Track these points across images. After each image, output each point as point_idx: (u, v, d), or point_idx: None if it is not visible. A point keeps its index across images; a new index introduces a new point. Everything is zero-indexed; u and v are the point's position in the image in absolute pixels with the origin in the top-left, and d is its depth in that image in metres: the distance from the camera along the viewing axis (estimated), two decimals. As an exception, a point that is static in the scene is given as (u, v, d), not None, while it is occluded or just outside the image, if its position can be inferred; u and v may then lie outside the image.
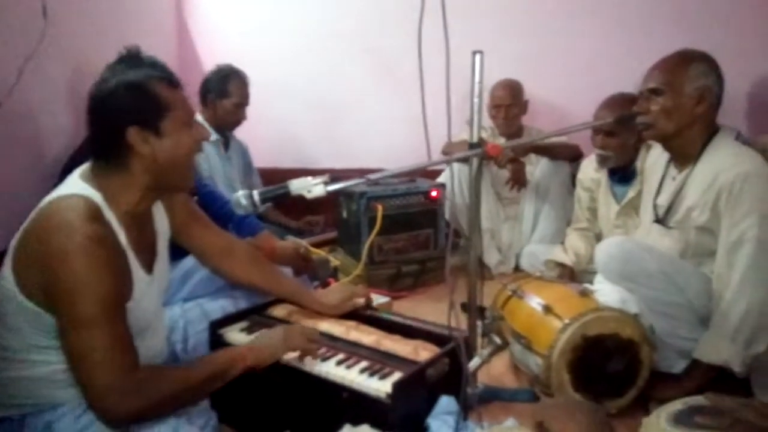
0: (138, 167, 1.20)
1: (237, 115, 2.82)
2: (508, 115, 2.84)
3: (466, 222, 2.88)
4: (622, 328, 1.56)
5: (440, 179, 2.84)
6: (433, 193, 2.64)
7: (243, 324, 1.61)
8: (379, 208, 2.46)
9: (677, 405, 1.08)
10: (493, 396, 1.73)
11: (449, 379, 1.40)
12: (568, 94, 3.09)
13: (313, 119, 3.46)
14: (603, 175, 2.39)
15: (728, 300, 1.57)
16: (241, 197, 1.44)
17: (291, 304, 1.67)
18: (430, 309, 2.22)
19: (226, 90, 2.76)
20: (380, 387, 1.29)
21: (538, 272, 2.06)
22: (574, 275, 2.36)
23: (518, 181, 2.71)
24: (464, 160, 2.56)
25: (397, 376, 1.32)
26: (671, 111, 1.69)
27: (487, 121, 2.98)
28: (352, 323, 1.60)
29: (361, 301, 1.71)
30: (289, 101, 3.43)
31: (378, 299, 2.36)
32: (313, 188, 1.45)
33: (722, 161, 1.64)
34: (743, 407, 0.94)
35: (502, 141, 2.92)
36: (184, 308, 1.68)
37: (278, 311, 1.67)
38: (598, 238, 2.41)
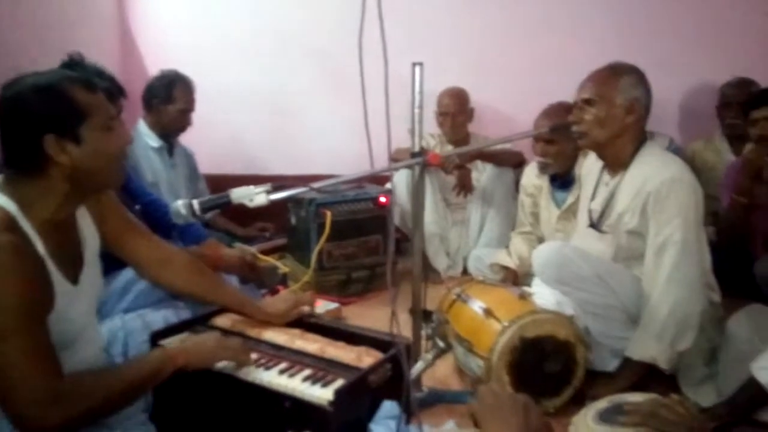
0: (57, 175, 1.14)
1: (182, 121, 2.77)
2: (455, 123, 2.90)
3: (415, 228, 2.94)
4: (558, 329, 1.62)
5: (389, 185, 2.87)
6: (382, 199, 2.67)
7: (185, 335, 1.58)
8: (328, 214, 2.47)
9: (603, 403, 1.13)
10: (437, 399, 1.76)
11: (392, 384, 1.42)
12: (514, 102, 3.18)
13: (263, 125, 3.44)
14: (544, 182, 2.47)
15: (655, 300, 1.65)
16: (180, 207, 1.43)
17: (235, 313, 1.66)
18: (380, 314, 2.22)
19: (171, 96, 2.72)
20: (322, 395, 1.30)
21: (482, 276, 2.11)
22: (517, 278, 2.43)
23: (464, 187, 2.77)
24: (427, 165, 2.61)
25: (339, 383, 1.33)
26: (603, 121, 1.77)
27: (436, 129, 3.05)
28: (296, 331, 1.60)
29: (307, 308, 1.71)
30: (237, 107, 3.40)
31: (327, 306, 2.38)
32: (255, 197, 1.46)
33: (650, 168, 1.73)
34: (658, 405, 0.99)
35: (449, 148, 2.98)
36: (125, 319, 1.64)
37: (221, 321, 1.66)
38: (541, 241, 2.48)
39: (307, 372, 1.40)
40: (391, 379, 1.43)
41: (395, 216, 2.86)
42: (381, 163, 1.65)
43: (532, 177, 2.54)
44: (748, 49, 3.04)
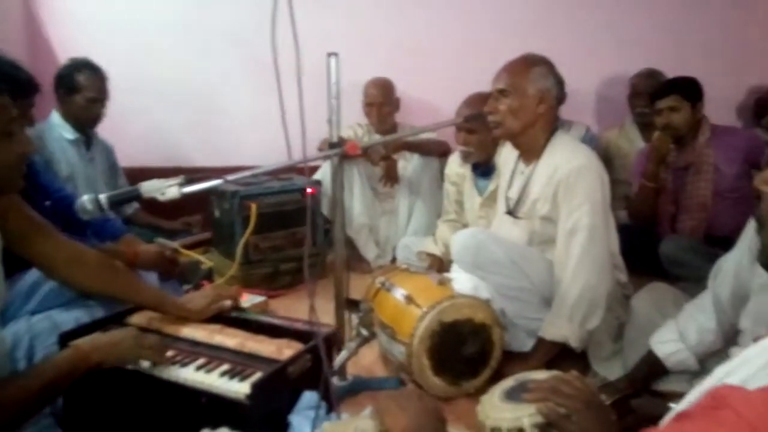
0: None
1: (92, 110, 2.63)
2: (381, 113, 2.92)
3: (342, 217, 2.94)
4: (475, 313, 1.68)
5: (317, 176, 2.86)
6: (309, 190, 2.65)
7: (98, 335, 1.53)
8: (253, 206, 2.43)
9: (509, 382, 1.18)
10: (362, 386, 1.79)
11: (314, 375, 1.43)
12: (440, 92, 3.23)
13: (184, 116, 3.34)
14: (467, 170, 2.54)
15: (566, 282, 1.74)
16: (86, 202, 1.37)
17: (152, 311, 1.62)
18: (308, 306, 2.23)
19: (77, 84, 2.58)
20: (239, 389, 1.29)
21: (405, 264, 2.14)
22: (443, 265, 2.49)
23: (390, 177, 2.80)
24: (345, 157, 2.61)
25: (257, 376, 1.33)
26: (517, 110, 1.83)
27: (365, 119, 3.06)
28: (216, 327, 1.58)
29: (228, 303, 1.69)
30: (158, 98, 3.28)
31: (253, 299, 2.35)
32: (166, 190, 1.42)
33: (560, 157, 1.81)
34: (559, 381, 1.05)
35: (377, 138, 3.00)
36: (31, 322, 1.56)
37: (137, 319, 1.61)
38: (466, 228, 2.55)
39: (225, 367, 1.39)
40: (312, 370, 1.43)
41: (324, 207, 2.86)
42: (306, 154, 1.66)
43: (455, 166, 2.59)
44: (656, 42, 3.22)
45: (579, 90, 3.24)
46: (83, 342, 1.32)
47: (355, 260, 2.98)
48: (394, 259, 2.93)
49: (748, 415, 0.50)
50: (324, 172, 2.85)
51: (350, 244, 3.01)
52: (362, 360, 1.92)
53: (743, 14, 3.30)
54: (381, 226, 2.99)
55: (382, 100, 2.91)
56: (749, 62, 3.27)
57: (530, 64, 1.84)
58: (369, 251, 2.93)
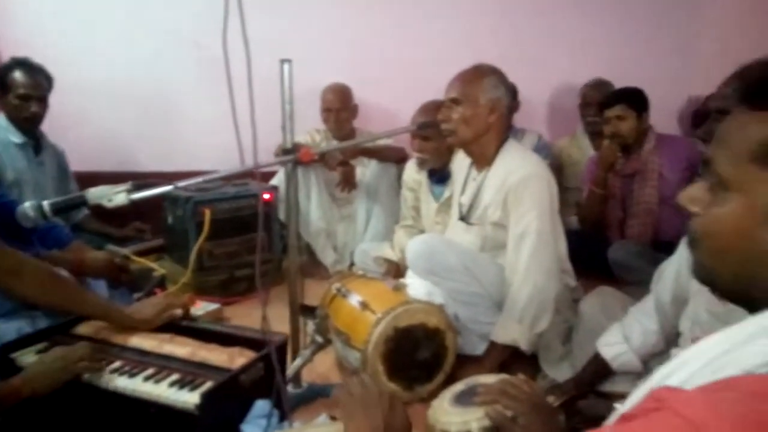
0: None
1: (24, 109, 2.50)
2: (339, 119, 2.93)
3: (301, 224, 2.93)
4: (428, 318, 1.70)
5: (273, 181, 2.84)
6: (266, 196, 2.63)
7: (41, 345, 1.48)
8: (207, 212, 2.40)
9: (459, 386, 1.20)
10: (317, 394, 1.78)
11: (267, 383, 1.42)
12: (397, 98, 3.26)
13: (138, 120, 3.26)
14: (423, 176, 2.57)
15: (516, 286, 1.78)
16: (27, 209, 1.33)
17: (100, 320, 1.58)
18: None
19: (9, 82, 2.47)
20: (189, 399, 1.27)
21: (361, 270, 2.15)
22: (400, 270, 2.50)
23: (348, 183, 2.81)
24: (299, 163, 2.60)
25: (208, 386, 1.31)
26: (469, 119, 1.86)
27: (322, 125, 3.06)
28: (166, 336, 1.55)
29: (179, 311, 1.66)
30: (110, 101, 3.20)
31: (207, 307, 2.32)
32: (114, 197, 1.39)
33: (510, 165, 1.85)
34: (507, 384, 1.07)
35: (335, 143, 3.00)
36: (-30, 333, 1.50)
37: (84, 329, 1.57)
38: (421, 234, 2.58)
39: (174, 377, 1.36)
40: (264, 378, 1.42)
41: (281, 212, 2.84)
42: (259, 158, 1.65)
43: (412, 172, 2.62)
44: (605, 53, 3.34)
45: (532, 99, 3.33)
46: (25, 356, 1.28)
47: (313, 266, 2.98)
48: (352, 265, 2.94)
49: (689, 415, 0.50)
50: (281, 178, 2.83)
51: (308, 249, 3.01)
52: (318, 367, 1.92)
53: (689, 26, 3.46)
54: (339, 231, 2.99)
55: (339, 105, 2.92)
56: (693, 73, 3.43)
57: (482, 74, 1.88)
58: (327, 257, 2.93)
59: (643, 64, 3.30)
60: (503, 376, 1.18)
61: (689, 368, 0.58)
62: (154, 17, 3.19)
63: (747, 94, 0.61)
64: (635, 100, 2.62)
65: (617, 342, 1.61)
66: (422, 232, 2.61)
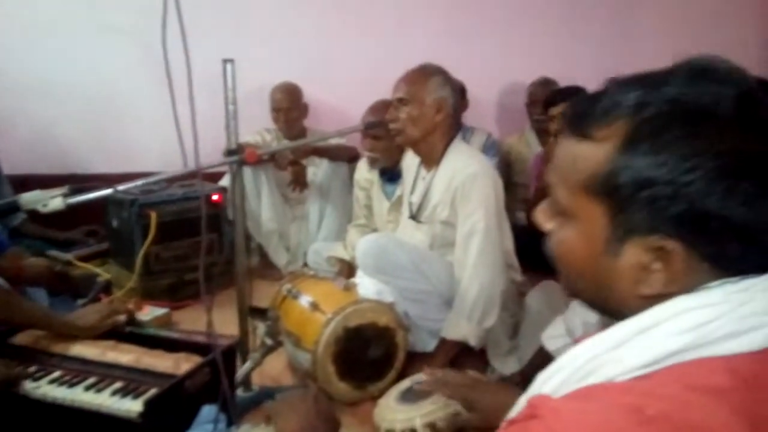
0: None
1: None
2: (289, 118, 2.90)
3: (252, 224, 2.90)
4: (378, 317, 1.71)
5: (223, 182, 2.80)
6: (215, 197, 2.59)
7: (-26, 358, 1.42)
8: (153, 215, 2.34)
9: (406, 383, 1.22)
10: (268, 396, 1.76)
11: (215, 388, 1.40)
12: (349, 97, 3.25)
13: (79, 119, 3.14)
14: (375, 175, 2.58)
15: (465, 283, 1.81)
16: (-45, 216, 1.27)
17: (39, 329, 1.52)
18: (217, 316, 2.17)
19: None
20: (131, 407, 1.25)
21: (312, 270, 2.15)
22: (352, 269, 2.51)
23: (299, 182, 2.79)
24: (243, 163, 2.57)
25: (152, 393, 1.29)
26: (416, 119, 1.88)
27: (272, 124, 3.03)
28: (109, 343, 1.52)
29: (122, 318, 1.61)
30: (47, 99, 3.06)
31: (154, 312, 2.26)
32: (49, 201, 1.34)
33: (457, 164, 1.88)
34: (451, 374, 1.09)
35: (285, 143, 2.97)
36: None
37: (23, 338, 1.52)
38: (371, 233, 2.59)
39: (117, 385, 1.34)
40: (211, 383, 1.41)
41: (231, 213, 2.80)
42: (207, 159, 1.62)
43: (363, 171, 2.63)
44: (550, 53, 3.43)
45: (481, 98, 3.39)
46: None
47: (266, 267, 2.95)
48: (305, 265, 2.92)
49: (555, 426, 0.51)
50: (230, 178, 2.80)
51: (260, 250, 2.98)
52: (269, 369, 1.90)
53: (629, 26, 3.59)
54: (291, 231, 2.97)
55: (288, 105, 2.89)
56: (635, 72, 3.54)
57: (428, 74, 1.90)
58: (279, 257, 2.90)
59: (586, 62, 3.41)
60: (446, 370, 1.20)
61: (561, 375, 0.59)
62: (92, 13, 3.08)
63: (573, 123, 0.60)
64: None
65: (560, 335, 1.66)
66: (375, 231, 2.62)
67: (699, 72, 0.56)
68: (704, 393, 0.50)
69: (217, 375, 1.41)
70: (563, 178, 0.61)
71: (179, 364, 1.42)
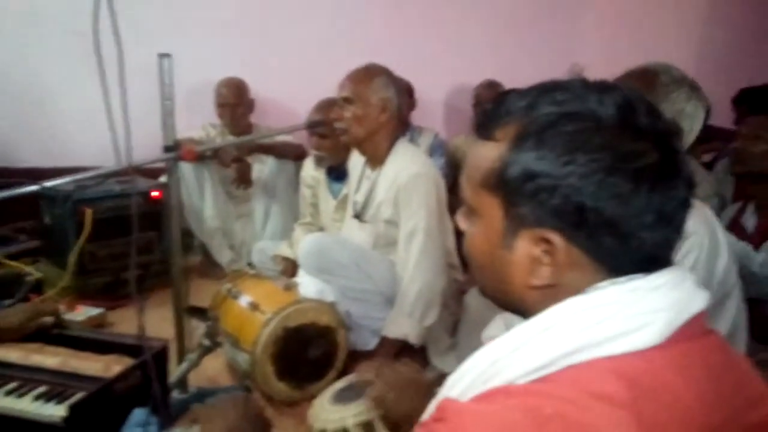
0: None
1: None
2: (234, 114, 2.85)
3: (195, 222, 2.83)
4: (319, 316, 1.70)
5: (164, 178, 2.71)
6: (154, 194, 2.52)
7: None
8: (88, 212, 2.25)
9: (341, 383, 1.22)
10: (205, 397, 1.73)
11: (147, 390, 1.37)
12: (296, 93, 3.22)
13: (8, 111, 2.98)
14: (321, 174, 2.56)
15: (406, 282, 1.83)
16: None
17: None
18: (155, 316, 2.11)
19: None
20: (55, 412, 1.20)
21: (253, 270, 2.12)
22: (297, 268, 2.48)
23: (243, 180, 2.74)
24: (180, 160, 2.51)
25: (78, 397, 1.24)
26: (361, 118, 1.89)
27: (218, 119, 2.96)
28: (35, 345, 1.45)
29: (50, 318, 1.55)
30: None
31: (88, 312, 2.19)
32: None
33: (400, 164, 1.90)
34: (382, 368, 1.08)
35: (231, 138, 2.92)
36: None
37: (-63, 342, 1.43)
38: (322, 231, 2.58)
39: (41, 389, 1.28)
40: (143, 386, 1.37)
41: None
42: (146, 155, 1.57)
43: (310, 169, 2.61)
44: (495, 56, 3.50)
45: (429, 98, 3.42)
46: None
47: (209, 265, 2.88)
48: (249, 264, 2.88)
49: (458, 429, 0.53)
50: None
51: (203, 248, 2.91)
52: (207, 370, 1.87)
53: (568, 30, 3.71)
54: (236, 229, 2.92)
55: (234, 100, 2.84)
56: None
57: (372, 74, 1.91)
58: (223, 256, 2.84)
59: (529, 66, 3.50)
60: (385, 365, 1.20)
61: (468, 378, 0.61)
62: (22, 2, 2.93)
63: (477, 125, 0.65)
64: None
65: (500, 333, 1.69)
66: (321, 229, 2.61)
67: (589, 83, 0.61)
68: (598, 395, 0.52)
69: (149, 378, 1.38)
70: (469, 178, 0.65)
71: (109, 367, 1.38)
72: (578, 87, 0.60)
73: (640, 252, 0.59)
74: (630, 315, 0.56)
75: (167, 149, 1.52)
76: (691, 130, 1.20)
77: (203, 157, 2.66)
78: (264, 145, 2.77)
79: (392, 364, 1.10)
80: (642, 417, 0.51)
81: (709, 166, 2.88)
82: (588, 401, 0.52)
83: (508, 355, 0.59)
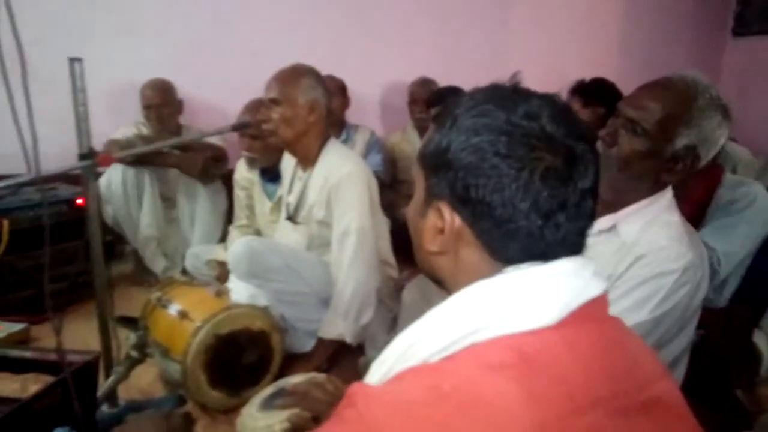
0: None
1: None
2: (160, 115, 2.75)
3: (129, 230, 2.72)
4: (252, 321, 1.68)
5: (102, 181, 2.60)
6: (79, 201, 2.41)
7: None
8: (4, 222, 2.14)
9: (270, 389, 1.21)
10: (137, 409, 1.68)
11: (70, 408, 1.31)
12: (228, 94, 3.15)
13: None
14: (255, 175, 2.52)
15: (341, 282, 1.83)
16: None
17: None
18: (83, 328, 2.04)
19: None
20: (-36, 439, 1.13)
21: (185, 277, 2.07)
22: (232, 273, 2.45)
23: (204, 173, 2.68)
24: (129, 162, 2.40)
25: (-9, 421, 1.18)
26: (289, 119, 1.86)
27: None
28: (-57, 368, 1.36)
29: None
30: None
31: (10, 328, 2.08)
32: None
33: (331, 164, 1.89)
34: (312, 385, 1.09)
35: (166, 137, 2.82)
36: None
37: None
38: (258, 234, 2.54)
39: (-51, 416, 1.21)
40: (65, 404, 1.31)
41: (108, 216, 2.63)
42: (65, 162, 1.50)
43: (243, 171, 2.57)
44: (428, 53, 3.55)
45: (364, 96, 3.43)
46: None
47: (143, 273, 2.79)
48: (184, 271, 2.81)
49: (366, 414, 0.55)
50: (109, 179, 2.62)
51: (136, 256, 2.82)
52: (139, 382, 1.82)
53: (498, 28, 3.81)
54: (169, 235, 2.83)
55: (159, 101, 2.74)
56: (507, 72, 3.76)
57: (299, 74, 1.89)
58: (157, 264, 2.75)
59: (461, 62, 3.57)
60: (312, 375, 1.20)
61: (388, 363, 0.64)
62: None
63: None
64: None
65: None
66: (258, 231, 2.58)
67: (518, 87, 0.69)
68: (493, 370, 0.56)
69: (76, 393, 1.32)
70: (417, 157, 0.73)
71: (26, 387, 1.32)
72: (508, 89, 0.68)
73: (531, 240, 0.63)
74: (528, 297, 0.61)
75: (82, 157, 1.46)
76: (706, 157, 1.15)
77: (135, 163, 2.59)
78: (168, 161, 2.68)
79: (319, 383, 1.10)
80: (532, 390, 0.55)
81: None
82: (483, 377, 0.56)
83: (420, 338, 0.63)
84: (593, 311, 0.64)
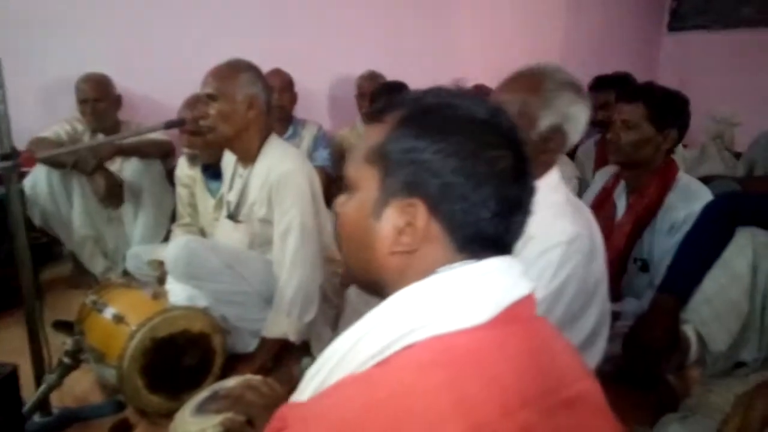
0: None
1: None
2: (96, 110, 2.64)
3: (62, 231, 2.62)
4: (191, 323, 1.65)
5: (26, 182, 2.49)
6: (7, 203, 2.29)
7: None
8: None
9: (204, 393, 1.19)
10: (73, 417, 1.63)
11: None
12: (169, 89, 3.06)
13: None
14: (197, 172, 2.46)
15: (283, 281, 1.81)
16: None
17: None
18: (16, 334, 1.95)
19: None
20: None
21: (122, 279, 2.01)
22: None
23: (110, 195, 2.55)
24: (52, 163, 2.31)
25: None
26: (227, 116, 1.82)
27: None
28: None
29: None
30: None
31: (-68, 337, 1.97)
32: None
33: (272, 161, 1.86)
34: (246, 388, 1.07)
35: (100, 137, 2.72)
36: None
37: None
38: (202, 232, 2.49)
39: None
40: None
41: (36, 217, 2.52)
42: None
43: (185, 168, 2.50)
44: (375, 47, 3.54)
45: (312, 91, 3.39)
46: None
47: (81, 275, 2.69)
48: (125, 272, 2.72)
49: None
50: (34, 179, 2.51)
51: (73, 258, 2.71)
52: (75, 389, 1.76)
53: (444, 22, 3.83)
54: (108, 235, 2.73)
55: (95, 95, 2.63)
56: (454, 66, 3.82)
57: (238, 69, 1.85)
58: (96, 265, 2.66)
59: (408, 54, 3.58)
60: (247, 377, 1.18)
61: (328, 366, 0.64)
62: None
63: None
64: (399, 92, 2.82)
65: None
66: (202, 230, 2.52)
67: (470, 90, 0.73)
68: (423, 373, 0.57)
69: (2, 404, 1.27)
70: (354, 157, 0.72)
71: (-56, 402, 1.25)
72: (460, 91, 0.71)
73: (481, 234, 0.65)
74: (459, 297, 0.62)
75: (3, 157, 1.39)
76: (575, 131, 1.24)
77: (59, 164, 2.48)
78: (124, 147, 2.59)
79: (253, 386, 1.08)
80: (462, 395, 0.56)
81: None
82: (415, 381, 0.56)
83: (355, 344, 0.63)
84: (521, 311, 0.66)
